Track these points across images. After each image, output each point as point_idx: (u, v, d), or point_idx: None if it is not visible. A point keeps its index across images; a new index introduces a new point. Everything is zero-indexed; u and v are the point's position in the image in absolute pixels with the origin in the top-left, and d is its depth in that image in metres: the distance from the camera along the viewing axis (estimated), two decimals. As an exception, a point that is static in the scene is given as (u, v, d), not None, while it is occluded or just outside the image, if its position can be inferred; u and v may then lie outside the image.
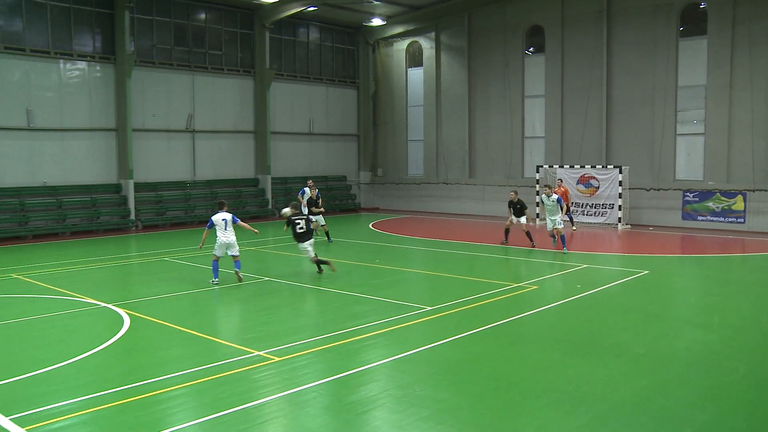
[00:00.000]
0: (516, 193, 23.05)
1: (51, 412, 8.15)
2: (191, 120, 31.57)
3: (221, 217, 16.22)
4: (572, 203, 28.64)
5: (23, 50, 26.63)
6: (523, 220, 22.64)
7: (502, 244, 22.56)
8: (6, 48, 26.20)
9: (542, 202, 22.09)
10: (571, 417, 7.91)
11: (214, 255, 16.30)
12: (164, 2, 30.61)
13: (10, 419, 7.94)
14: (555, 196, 21.20)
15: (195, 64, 31.66)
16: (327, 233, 23.76)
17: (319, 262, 17.24)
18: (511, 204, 22.79)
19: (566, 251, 20.74)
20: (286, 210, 17.83)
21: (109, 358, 10.51)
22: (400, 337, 11.36)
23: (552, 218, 21.18)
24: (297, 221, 17.13)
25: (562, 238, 20.98)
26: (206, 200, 31.65)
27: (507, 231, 22.92)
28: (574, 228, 27.34)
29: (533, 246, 21.78)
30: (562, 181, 28.71)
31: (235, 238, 16.32)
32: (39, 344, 11.35)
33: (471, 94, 34.89)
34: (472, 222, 31.00)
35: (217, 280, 16.20)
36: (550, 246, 21.68)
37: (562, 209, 21.25)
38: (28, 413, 8.10)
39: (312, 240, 17.24)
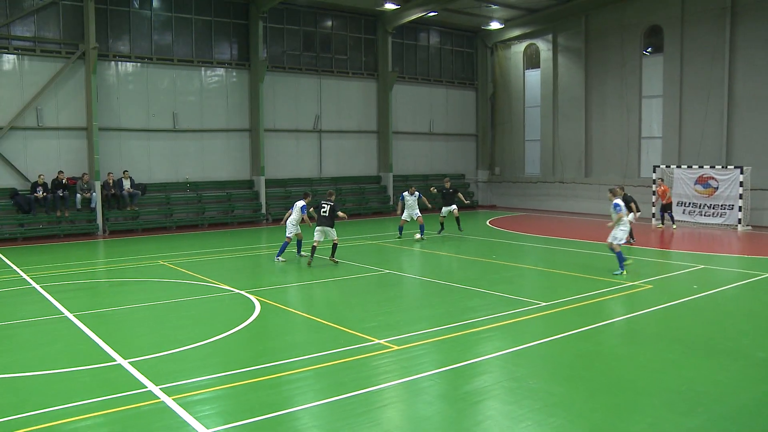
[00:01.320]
0: (449, 180, 24.11)
1: (192, 385, 8.60)
2: (318, 121, 32.34)
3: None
4: (690, 203, 27.48)
5: (171, 60, 28.12)
6: (453, 208, 23.25)
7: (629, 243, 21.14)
8: (158, 59, 27.77)
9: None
10: (686, 418, 7.60)
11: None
12: (294, 12, 31.46)
13: (160, 388, 8.47)
14: (616, 201, 17.01)
15: (322, 68, 32.38)
16: (457, 221, 24.07)
17: (313, 249, 17.96)
18: (440, 191, 23.34)
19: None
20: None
21: (242, 340, 10.94)
22: (515, 331, 11.25)
23: None
24: (323, 205, 18.19)
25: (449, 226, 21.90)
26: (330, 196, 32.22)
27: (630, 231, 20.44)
28: (674, 227, 26.35)
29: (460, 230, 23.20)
30: (663, 180, 27.41)
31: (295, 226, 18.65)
32: (181, 324, 11.97)
33: (587, 94, 33.97)
34: (588, 221, 30.20)
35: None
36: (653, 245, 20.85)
37: (630, 210, 19.02)
38: (173, 384, 8.61)
39: (324, 228, 18.01)
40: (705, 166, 27.45)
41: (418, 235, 22.89)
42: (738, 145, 28.38)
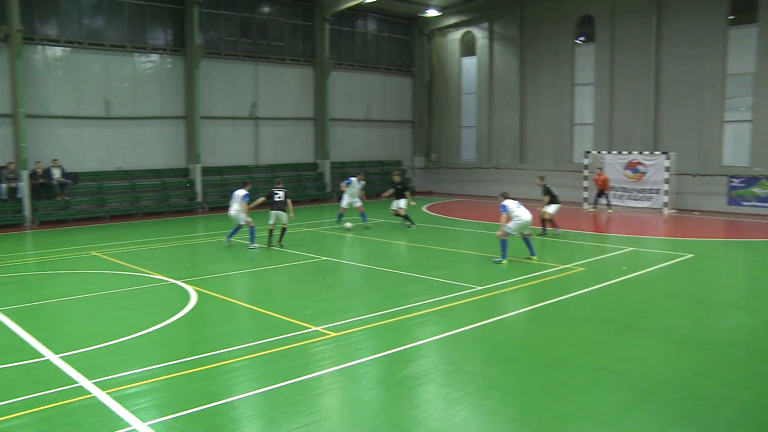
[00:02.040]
0: (399, 174, 23.21)
1: (126, 378, 8.44)
2: (255, 108, 31.96)
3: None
4: (620, 188, 28.28)
5: (103, 45, 27.30)
6: (402, 203, 22.58)
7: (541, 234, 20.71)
8: (89, 44, 26.94)
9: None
10: (615, 394, 7.85)
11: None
12: (230, -4, 31.02)
13: (93, 383, 8.27)
14: (503, 203, 16.84)
15: (259, 55, 31.96)
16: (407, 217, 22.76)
17: (270, 233, 18.88)
18: (393, 185, 22.86)
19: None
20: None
21: (178, 330, 10.79)
22: (451, 316, 11.39)
23: None
24: (277, 192, 18.91)
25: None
26: (268, 183, 31.92)
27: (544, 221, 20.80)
28: (610, 211, 27.09)
29: (411, 225, 22.44)
30: (601, 169, 28.18)
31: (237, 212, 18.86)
32: (115, 316, 11.72)
33: (522, 82, 34.45)
34: (523, 206, 30.66)
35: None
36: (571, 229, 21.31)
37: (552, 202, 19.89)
38: (106, 378, 8.42)
39: (279, 213, 18.73)
40: (634, 152, 28.28)
41: (349, 224, 22.36)
42: (664, 131, 29.25)
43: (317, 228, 22.84)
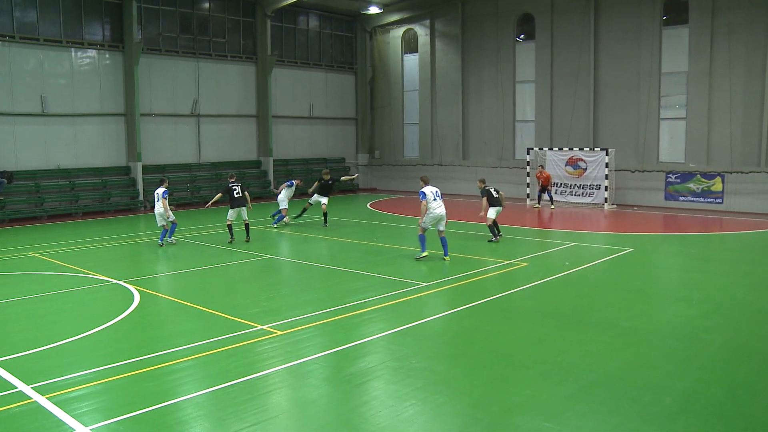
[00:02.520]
0: (329, 172, 23.15)
1: (68, 382, 8.21)
2: (196, 105, 31.45)
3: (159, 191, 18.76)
4: (562, 184, 28.80)
5: (37, 39, 26.47)
6: (325, 200, 22.51)
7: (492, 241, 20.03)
8: (21, 38, 26.06)
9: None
10: (560, 387, 7.97)
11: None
12: (170, -9, 30.44)
13: (32, 388, 8.01)
14: (422, 190, 16.31)
15: (200, 51, 31.48)
16: (325, 216, 22.78)
17: (230, 228, 19.30)
18: (320, 181, 22.74)
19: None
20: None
21: (121, 331, 10.55)
22: (397, 312, 11.41)
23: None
24: (234, 187, 19.30)
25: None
26: (211, 182, 31.62)
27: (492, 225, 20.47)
28: (553, 207, 27.61)
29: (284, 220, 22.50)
30: (543, 166, 28.70)
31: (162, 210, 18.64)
32: (55, 319, 11.39)
33: (464, 79, 34.78)
34: (465, 202, 30.99)
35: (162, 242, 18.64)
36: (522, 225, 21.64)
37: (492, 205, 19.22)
38: (47, 383, 8.17)
39: (240, 208, 19.28)
40: (574, 148, 28.81)
41: (287, 219, 22.77)
42: (603, 128, 29.90)
43: (260, 226, 22.63)
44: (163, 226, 18.85)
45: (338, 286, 13.52)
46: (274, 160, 34.33)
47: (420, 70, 36.95)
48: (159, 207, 18.69)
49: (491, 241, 18.97)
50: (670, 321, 10.84)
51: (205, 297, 12.90)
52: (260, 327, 10.42)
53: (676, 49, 27.88)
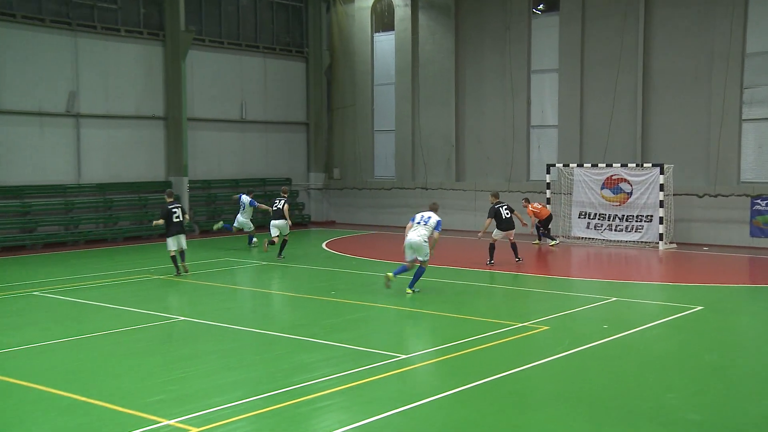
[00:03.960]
0: (287, 190, 26.42)
1: None
2: (74, 100, 31.15)
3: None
4: (596, 215, 28.96)
5: None
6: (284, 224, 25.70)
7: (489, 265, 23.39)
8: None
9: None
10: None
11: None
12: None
13: None
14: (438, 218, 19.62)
15: (78, 22, 31.14)
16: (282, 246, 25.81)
17: (174, 260, 21.95)
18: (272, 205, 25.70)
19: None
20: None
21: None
22: (365, 397, 11.21)
23: None
24: (174, 211, 21.90)
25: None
26: (96, 212, 31.31)
27: (492, 248, 23.76)
28: (553, 243, 28.41)
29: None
30: (528, 200, 28.80)
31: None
32: None
33: (459, 68, 34.98)
34: (461, 240, 30.95)
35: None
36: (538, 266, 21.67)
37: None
38: None
39: (179, 236, 21.91)
40: (615, 165, 28.88)
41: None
42: (656, 135, 30.10)
43: (170, 274, 22.40)
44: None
45: (280, 360, 13.31)
46: (190, 182, 34.02)
47: (397, 55, 37.13)
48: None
49: (489, 263, 22.35)
50: (766, 415, 10.72)
51: (85, 380, 12.55)
52: (164, 422, 10.16)
53: (765, 19, 28.08)
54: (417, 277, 18.76)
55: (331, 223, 38.30)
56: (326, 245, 29.72)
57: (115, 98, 32.38)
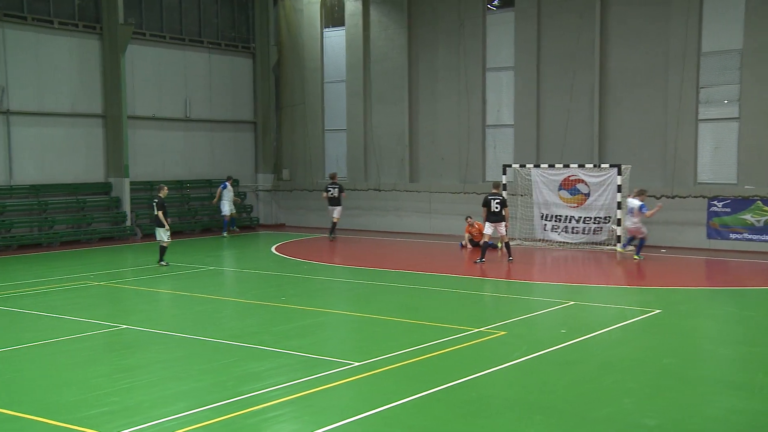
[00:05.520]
0: (164, 189, 25.65)
1: None
2: (2, 96, 30.80)
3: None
4: (552, 216, 29.30)
5: None
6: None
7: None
8: None
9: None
10: None
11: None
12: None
13: None
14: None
15: (5, 12, 30.68)
16: None
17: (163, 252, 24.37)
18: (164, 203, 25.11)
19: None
20: None
21: None
22: (317, 406, 11.23)
23: None
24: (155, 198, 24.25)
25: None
26: (30, 215, 30.92)
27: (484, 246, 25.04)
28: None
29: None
30: (471, 218, 29.00)
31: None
32: None
33: (412, 65, 35.05)
34: (415, 243, 31.03)
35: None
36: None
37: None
38: None
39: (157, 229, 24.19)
40: (572, 165, 29.12)
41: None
42: (613, 135, 30.42)
43: (113, 281, 22.26)
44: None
45: (228, 369, 13.26)
46: (131, 183, 33.77)
47: (348, 51, 37.14)
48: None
49: (478, 261, 24.34)
50: (722, 418, 10.82)
51: (15, 393, 12.43)
52: (106, 434, 10.12)
53: (726, 18, 28.39)
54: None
55: (280, 226, 38.18)
56: (275, 249, 29.64)
57: (48, 94, 31.99)
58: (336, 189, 32.19)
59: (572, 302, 18.76)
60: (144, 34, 34.78)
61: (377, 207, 35.79)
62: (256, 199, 38.85)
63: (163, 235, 24.46)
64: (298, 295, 20.32)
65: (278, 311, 18.23)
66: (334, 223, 32.47)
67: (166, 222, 24.21)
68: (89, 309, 18.48)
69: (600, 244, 28.38)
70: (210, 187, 36.73)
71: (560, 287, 21.29)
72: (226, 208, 34.06)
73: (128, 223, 33.18)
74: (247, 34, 38.82)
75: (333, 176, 33.00)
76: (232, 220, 34.97)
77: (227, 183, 34.19)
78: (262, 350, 14.44)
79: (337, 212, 32.37)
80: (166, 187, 25.47)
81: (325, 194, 32.78)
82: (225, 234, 34.09)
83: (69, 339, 15.67)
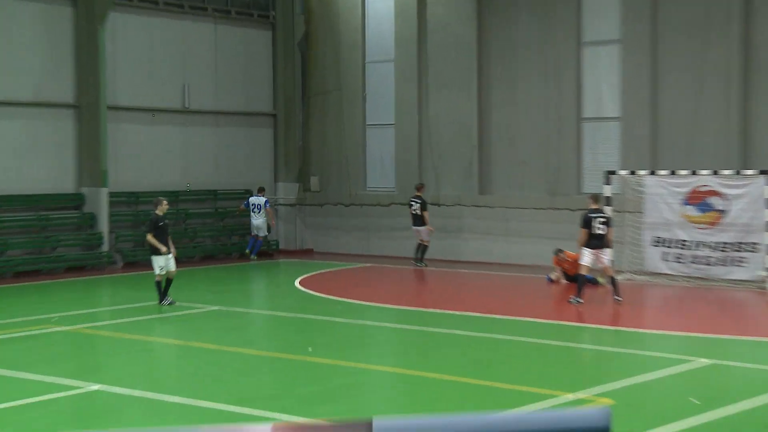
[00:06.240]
0: (164, 204, 24.96)
1: None
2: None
3: None
4: (676, 241, 28.69)
5: None
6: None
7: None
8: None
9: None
10: None
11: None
12: None
13: None
14: None
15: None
16: None
17: (161, 288, 24.20)
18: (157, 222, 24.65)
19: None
20: None
21: None
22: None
23: None
24: (160, 221, 24.06)
25: None
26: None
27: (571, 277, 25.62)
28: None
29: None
30: (562, 252, 28.50)
31: None
32: None
33: (483, 39, 34.91)
34: (486, 275, 30.86)
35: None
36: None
37: None
38: None
39: (167, 257, 23.99)
40: (702, 172, 28.57)
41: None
42: (763, 131, 29.83)
43: (86, 324, 22.29)
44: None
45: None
46: (111, 194, 33.75)
47: (398, 22, 37.14)
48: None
49: (571, 301, 23.47)
50: None
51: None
52: None
53: None
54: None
55: (307, 252, 38.25)
56: (300, 283, 29.54)
57: (9, 79, 32.18)
58: (418, 204, 33.24)
59: (706, 360, 18.22)
60: (130, 0, 34.83)
61: (435, 227, 35.42)
62: (275, 216, 38.67)
63: (156, 266, 24.14)
64: (328, 345, 20.33)
65: (303, 367, 18.18)
66: (421, 246, 33.63)
67: (160, 246, 23.92)
68: (51, 363, 18.43)
69: (743, 280, 27.78)
70: (215, 198, 36.66)
71: (687, 339, 20.79)
72: (262, 226, 36.34)
73: (105, 247, 33.13)
74: (264, 1, 38.79)
75: (418, 188, 33.82)
76: (258, 243, 36.15)
77: (263, 196, 36.34)
78: (281, 419, 14.07)
79: (425, 233, 33.43)
80: (165, 201, 24.76)
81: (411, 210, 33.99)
82: (254, 257, 35.89)
83: (22, 405, 15.55)
